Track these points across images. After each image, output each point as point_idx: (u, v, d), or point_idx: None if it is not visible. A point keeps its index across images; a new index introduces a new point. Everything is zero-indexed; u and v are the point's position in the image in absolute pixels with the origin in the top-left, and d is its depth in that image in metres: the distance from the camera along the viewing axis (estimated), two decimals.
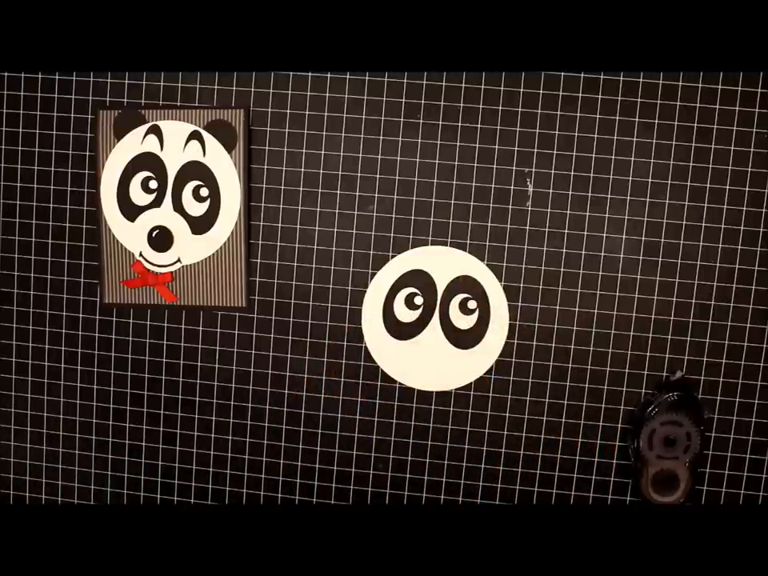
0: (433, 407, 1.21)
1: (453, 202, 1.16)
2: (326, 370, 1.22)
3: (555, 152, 1.14)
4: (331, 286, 1.20)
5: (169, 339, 1.24)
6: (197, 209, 1.19)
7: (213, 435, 1.25)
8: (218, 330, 1.23)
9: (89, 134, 1.20)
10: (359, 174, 1.17)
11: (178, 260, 1.21)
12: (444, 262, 1.17)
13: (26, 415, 1.29)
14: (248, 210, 1.19)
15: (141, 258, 1.21)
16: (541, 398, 1.19)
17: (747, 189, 1.13)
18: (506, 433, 1.20)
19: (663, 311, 1.16)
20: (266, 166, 1.18)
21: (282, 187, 1.19)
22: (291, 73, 1.16)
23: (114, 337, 1.25)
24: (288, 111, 1.17)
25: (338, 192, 1.18)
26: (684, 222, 1.14)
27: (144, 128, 1.18)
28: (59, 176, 1.22)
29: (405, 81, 1.15)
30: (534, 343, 1.18)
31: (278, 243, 1.20)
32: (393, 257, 1.18)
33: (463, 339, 1.19)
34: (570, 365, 1.18)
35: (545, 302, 1.17)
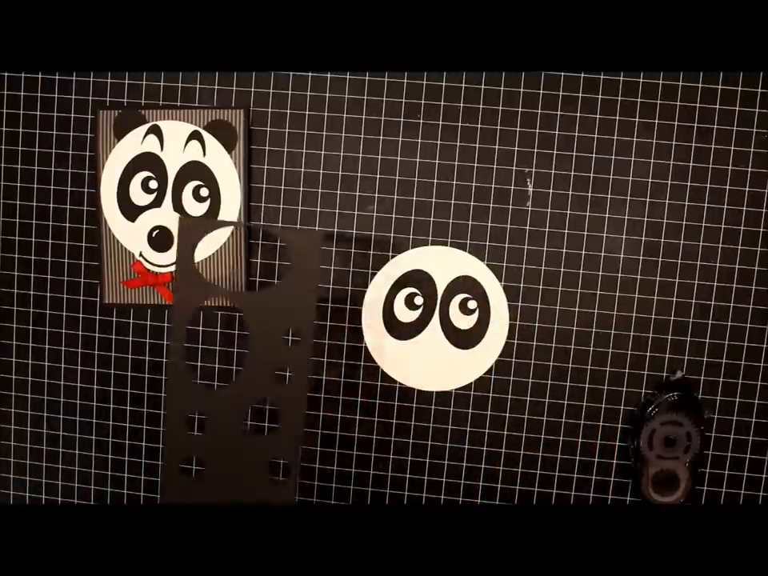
0: (433, 407, 1.21)
1: (453, 202, 1.16)
2: (325, 370, 1.22)
3: (555, 152, 1.14)
4: (331, 286, 1.20)
5: (169, 339, 1.24)
6: (197, 209, 1.19)
7: None
8: (218, 329, 1.23)
9: (89, 134, 1.20)
10: (359, 174, 1.17)
11: None
12: (444, 262, 1.17)
13: (26, 415, 1.29)
14: (248, 209, 1.19)
15: (141, 258, 1.21)
16: (541, 398, 1.19)
17: (747, 189, 1.13)
18: (505, 433, 1.20)
19: (663, 311, 1.16)
20: (266, 166, 1.18)
21: (282, 187, 1.19)
22: (291, 73, 1.16)
23: (114, 337, 1.25)
24: (288, 111, 1.17)
25: (338, 192, 1.18)
26: (684, 222, 1.14)
27: (144, 128, 1.18)
28: (59, 176, 1.22)
29: (405, 81, 1.15)
30: (534, 343, 1.18)
31: (278, 243, 1.20)
32: (393, 257, 1.18)
33: (463, 339, 1.19)
34: (570, 365, 1.18)
35: (545, 302, 1.17)
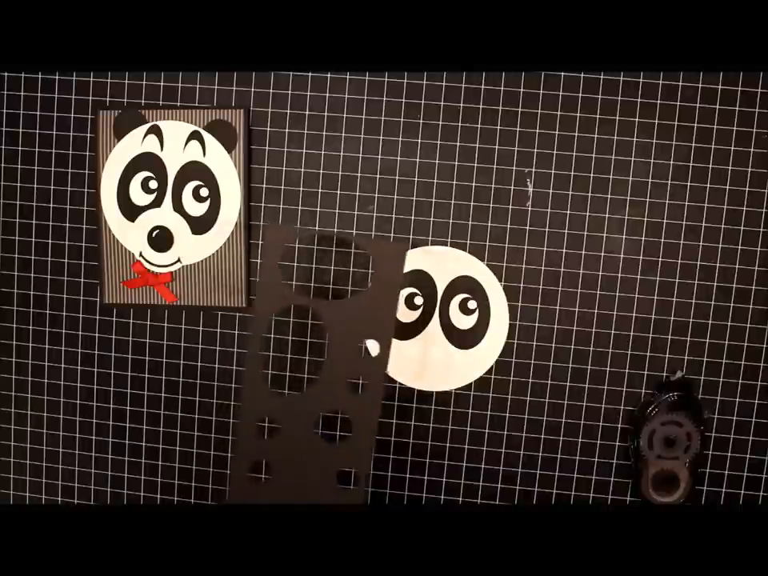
0: (433, 407, 1.21)
1: (453, 202, 1.16)
2: None
3: (555, 152, 1.14)
4: (331, 286, 1.20)
5: (169, 339, 1.24)
6: (197, 209, 1.19)
7: (213, 435, 1.25)
8: (218, 330, 1.23)
9: (89, 134, 1.20)
10: (359, 174, 1.17)
11: (178, 260, 1.21)
12: (444, 262, 1.17)
13: (26, 415, 1.29)
14: (248, 209, 1.19)
15: (141, 258, 1.21)
16: (541, 398, 1.19)
17: (747, 189, 1.13)
18: (506, 433, 1.20)
19: (663, 311, 1.16)
20: (266, 166, 1.18)
21: (282, 187, 1.19)
22: (291, 73, 1.16)
23: (113, 337, 1.25)
24: (288, 111, 1.17)
25: (338, 192, 1.18)
26: (684, 222, 1.14)
27: (144, 128, 1.18)
28: (59, 176, 1.22)
29: (405, 81, 1.15)
30: (534, 343, 1.18)
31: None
32: None
33: (463, 339, 1.19)
34: (570, 365, 1.18)
35: (545, 302, 1.17)
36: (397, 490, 1.23)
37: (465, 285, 1.17)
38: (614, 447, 1.19)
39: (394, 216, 1.17)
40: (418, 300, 1.18)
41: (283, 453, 1.04)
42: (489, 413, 1.20)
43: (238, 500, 1.05)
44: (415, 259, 1.17)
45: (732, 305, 1.15)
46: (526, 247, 1.16)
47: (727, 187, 1.13)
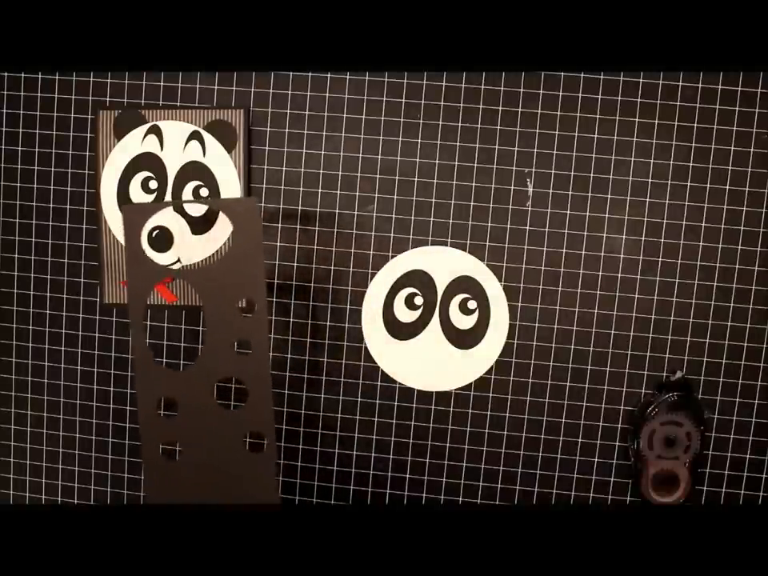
0: (433, 407, 1.21)
1: (453, 202, 1.16)
2: (326, 370, 1.22)
3: (555, 152, 1.14)
4: (331, 286, 1.20)
5: (169, 339, 1.24)
6: (197, 209, 1.19)
7: None
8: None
9: (89, 134, 1.20)
10: (359, 174, 1.17)
11: (178, 260, 1.21)
12: (444, 262, 1.17)
13: (25, 415, 1.29)
14: None
15: None
16: (541, 398, 1.19)
17: (747, 189, 1.13)
18: (506, 433, 1.20)
19: (663, 311, 1.16)
20: (266, 166, 1.18)
21: (282, 187, 1.19)
22: (291, 73, 1.16)
23: (113, 337, 1.25)
24: (288, 111, 1.17)
25: (338, 192, 1.18)
26: (684, 222, 1.14)
27: (144, 128, 1.18)
28: (59, 176, 1.22)
29: (405, 81, 1.15)
30: (534, 343, 1.18)
31: (278, 243, 1.20)
32: (393, 257, 1.18)
33: (463, 339, 1.19)
34: (570, 365, 1.18)
35: (545, 302, 1.17)
36: (397, 490, 1.23)
37: (465, 285, 1.17)
38: (614, 447, 1.19)
39: (393, 216, 1.17)
40: (418, 300, 1.18)
41: (188, 429, 1.03)
42: (489, 413, 1.20)
43: (154, 487, 1.03)
44: (415, 259, 1.17)
45: (732, 305, 1.14)
46: (525, 247, 1.16)
47: (727, 187, 1.13)
